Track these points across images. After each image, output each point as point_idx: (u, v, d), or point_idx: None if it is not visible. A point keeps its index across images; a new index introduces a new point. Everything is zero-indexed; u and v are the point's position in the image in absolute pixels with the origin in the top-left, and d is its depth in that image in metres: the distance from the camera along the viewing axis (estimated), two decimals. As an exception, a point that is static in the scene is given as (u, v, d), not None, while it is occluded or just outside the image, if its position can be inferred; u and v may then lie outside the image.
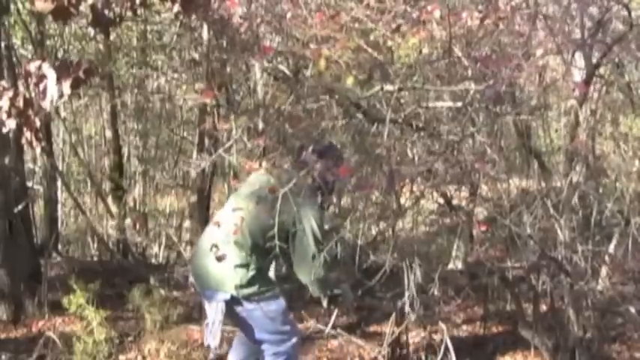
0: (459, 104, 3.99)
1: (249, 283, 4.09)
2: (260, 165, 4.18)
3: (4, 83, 4.46)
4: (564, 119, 6.72)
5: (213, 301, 4.16)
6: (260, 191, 4.12)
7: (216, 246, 4.06)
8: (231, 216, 4.08)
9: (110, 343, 5.52)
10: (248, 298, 4.12)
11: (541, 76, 4.83)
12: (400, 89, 3.94)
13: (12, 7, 7.47)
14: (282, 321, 4.25)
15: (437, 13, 3.49)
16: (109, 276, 7.81)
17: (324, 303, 4.52)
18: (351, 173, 4.34)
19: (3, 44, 7.04)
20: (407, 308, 4.74)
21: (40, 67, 4.35)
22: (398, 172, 4.10)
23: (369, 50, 3.57)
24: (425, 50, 3.62)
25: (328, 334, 5.93)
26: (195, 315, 6.49)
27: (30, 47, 9.11)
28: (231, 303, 4.12)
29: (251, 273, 4.10)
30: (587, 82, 5.06)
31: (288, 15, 3.77)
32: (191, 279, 4.49)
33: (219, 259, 3.98)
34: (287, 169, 4.24)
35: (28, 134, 4.42)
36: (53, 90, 4.31)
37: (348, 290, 4.62)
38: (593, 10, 4.94)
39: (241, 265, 4.09)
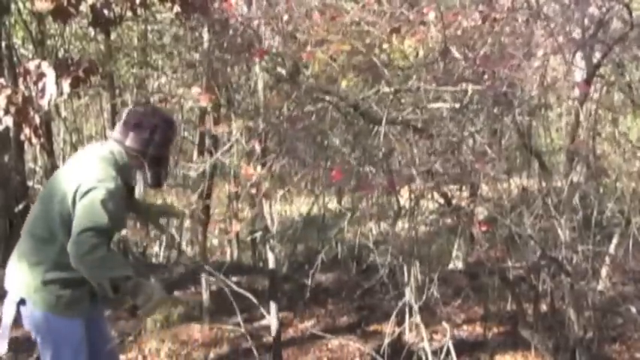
0: (457, 105, 3.99)
1: (42, 286, 3.38)
2: (255, 168, 4.03)
3: (2, 81, 4.48)
4: (565, 119, 6.71)
5: (7, 302, 3.49)
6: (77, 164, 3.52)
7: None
8: (39, 202, 3.53)
9: (110, 343, 5.53)
10: (37, 305, 3.41)
11: (542, 75, 4.83)
12: (397, 91, 3.93)
13: (12, 6, 7.48)
14: (68, 354, 3.48)
15: (431, 15, 3.48)
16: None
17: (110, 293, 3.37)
18: (347, 175, 4.26)
19: (3, 44, 7.04)
20: (408, 308, 4.73)
21: (39, 66, 4.37)
22: (398, 173, 4.10)
23: (364, 52, 3.56)
24: (421, 52, 3.61)
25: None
26: (195, 314, 6.50)
27: (30, 47, 9.10)
28: (23, 308, 3.44)
29: (48, 275, 3.37)
30: (587, 82, 5.06)
31: (285, 17, 3.76)
32: None
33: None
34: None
35: (27, 130, 4.44)
36: (52, 89, 4.33)
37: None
38: (594, 10, 4.94)
39: (37, 263, 3.40)
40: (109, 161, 3.41)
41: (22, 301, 3.42)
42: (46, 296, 3.39)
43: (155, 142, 3.47)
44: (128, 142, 3.46)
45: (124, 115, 3.54)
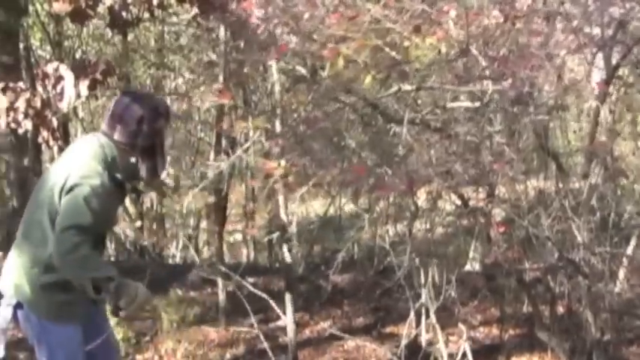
0: (477, 104, 3.97)
1: (38, 290, 3.19)
2: (279, 164, 3.99)
3: (21, 85, 4.50)
4: (583, 120, 6.68)
5: (3, 304, 3.29)
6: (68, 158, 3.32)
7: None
8: (30, 201, 3.32)
9: (127, 343, 5.55)
10: (32, 310, 3.23)
11: (560, 76, 4.80)
12: (418, 89, 3.92)
13: (30, 8, 7.52)
14: (65, 357, 3.28)
15: (452, 13, 3.46)
16: (125, 276, 7.82)
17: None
18: (364, 175, 4.24)
19: (22, 45, 7.08)
20: (425, 310, 4.73)
21: (57, 69, 4.40)
22: (415, 173, 4.09)
23: (387, 50, 3.54)
24: (443, 50, 3.59)
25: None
26: (211, 315, 6.51)
27: (48, 48, 9.16)
28: (20, 311, 3.25)
29: (43, 278, 3.17)
30: (606, 82, 5.04)
31: (306, 16, 3.75)
32: None
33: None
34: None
35: (45, 133, 4.47)
36: (71, 91, 4.35)
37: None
38: (614, 10, 4.90)
39: (31, 265, 3.20)
40: (98, 156, 3.22)
41: (18, 304, 3.24)
42: (42, 301, 3.22)
43: (143, 133, 3.28)
44: (116, 136, 3.27)
45: (111, 106, 3.36)
